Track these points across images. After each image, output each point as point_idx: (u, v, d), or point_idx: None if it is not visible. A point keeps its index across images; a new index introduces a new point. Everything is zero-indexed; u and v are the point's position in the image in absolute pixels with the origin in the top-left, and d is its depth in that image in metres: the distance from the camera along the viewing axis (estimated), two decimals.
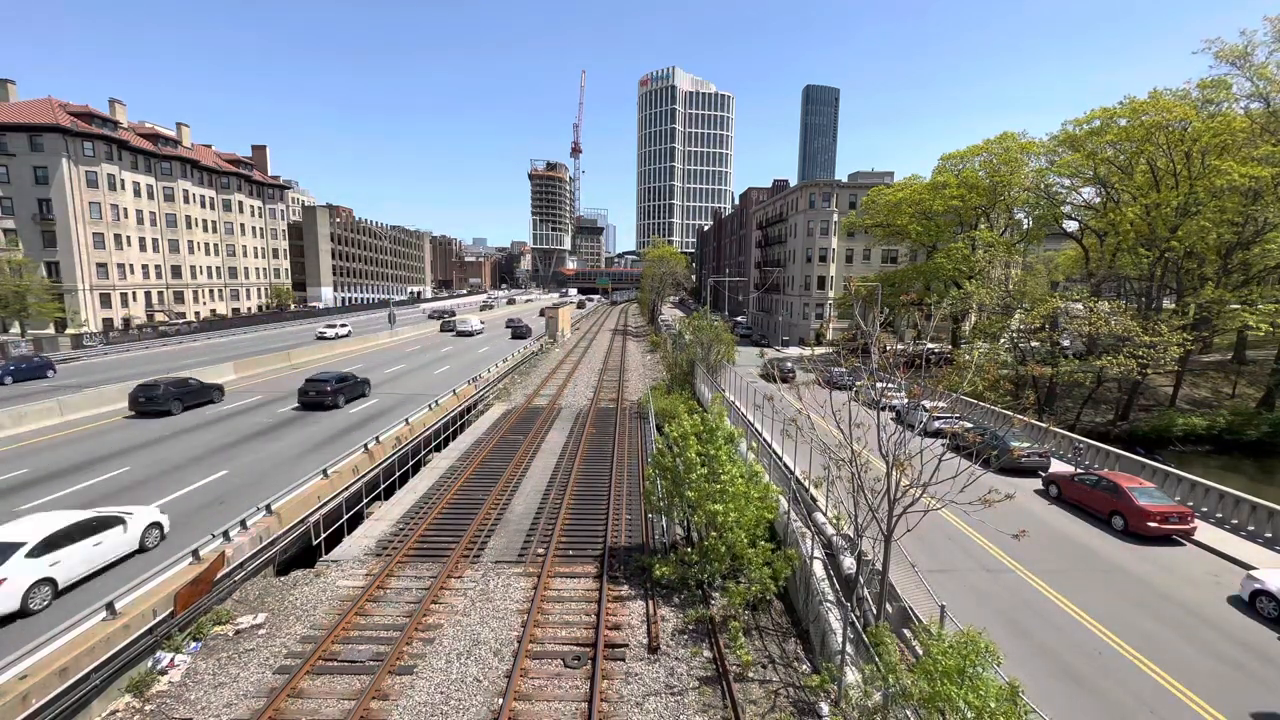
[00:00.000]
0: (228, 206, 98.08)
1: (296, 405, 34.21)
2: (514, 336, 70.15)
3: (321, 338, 64.23)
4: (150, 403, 31.51)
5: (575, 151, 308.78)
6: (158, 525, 16.92)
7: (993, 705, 8.33)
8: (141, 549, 16.27)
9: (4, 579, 12.86)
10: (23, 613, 13.21)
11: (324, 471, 21.79)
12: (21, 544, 13.49)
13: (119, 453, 25.33)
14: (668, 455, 17.76)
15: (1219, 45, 39.74)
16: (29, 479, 22.04)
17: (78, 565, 14.42)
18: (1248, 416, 39.10)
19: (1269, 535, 19.18)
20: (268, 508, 18.49)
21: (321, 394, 33.61)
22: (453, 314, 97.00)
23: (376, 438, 26.17)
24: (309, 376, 35.62)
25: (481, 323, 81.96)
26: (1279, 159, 35.81)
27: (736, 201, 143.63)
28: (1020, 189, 52.72)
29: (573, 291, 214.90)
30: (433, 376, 45.26)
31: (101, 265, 73.70)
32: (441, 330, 79.93)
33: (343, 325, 69.60)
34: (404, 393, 38.91)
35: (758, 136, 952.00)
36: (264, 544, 17.54)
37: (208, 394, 34.59)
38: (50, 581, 13.78)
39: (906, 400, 15.74)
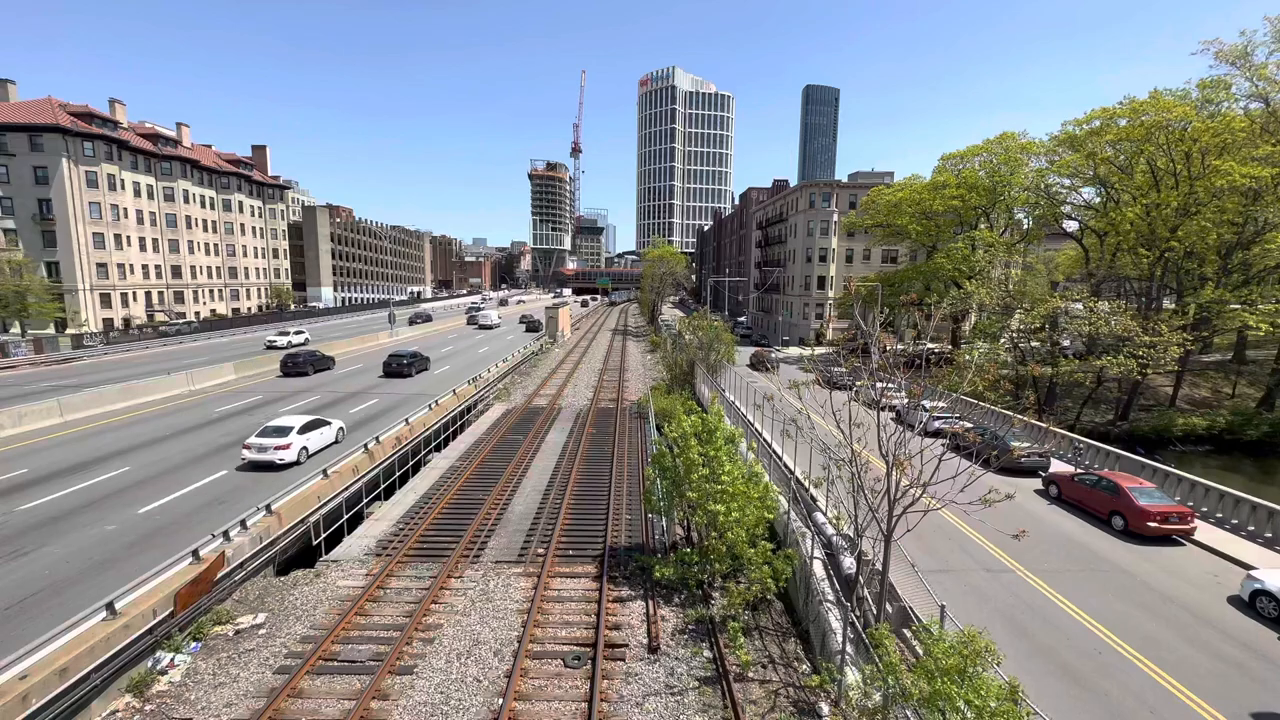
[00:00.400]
0: (228, 206, 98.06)
1: (381, 374, 45.03)
2: (528, 330, 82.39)
3: (272, 347, 57.44)
4: (295, 366, 44.55)
5: (575, 151, 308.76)
6: (342, 429, 27.65)
7: (993, 705, 8.32)
8: (336, 441, 26.74)
9: (290, 443, 23.46)
10: (296, 463, 23.59)
11: (324, 471, 21.81)
12: (294, 425, 24.32)
13: (119, 453, 25.33)
14: (668, 455, 17.75)
15: (1219, 46, 39.82)
16: (29, 478, 22.05)
17: (315, 443, 25.05)
18: (1248, 416, 39.12)
19: (1269, 535, 19.18)
20: (268, 508, 18.49)
21: (401, 365, 44.71)
22: (429, 318, 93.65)
23: (376, 438, 26.17)
24: (391, 352, 47.60)
25: (500, 317, 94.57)
26: (1279, 159, 35.82)
27: (736, 201, 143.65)
28: (1020, 189, 52.72)
29: (567, 291, 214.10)
30: (432, 377, 45.27)
31: (101, 265, 73.69)
32: (467, 324, 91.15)
33: (297, 332, 63.34)
34: (404, 392, 38.94)
35: (758, 136, 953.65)
36: (264, 544, 17.55)
37: (327, 363, 47.65)
38: (305, 448, 24.28)
39: (906, 400, 15.73)
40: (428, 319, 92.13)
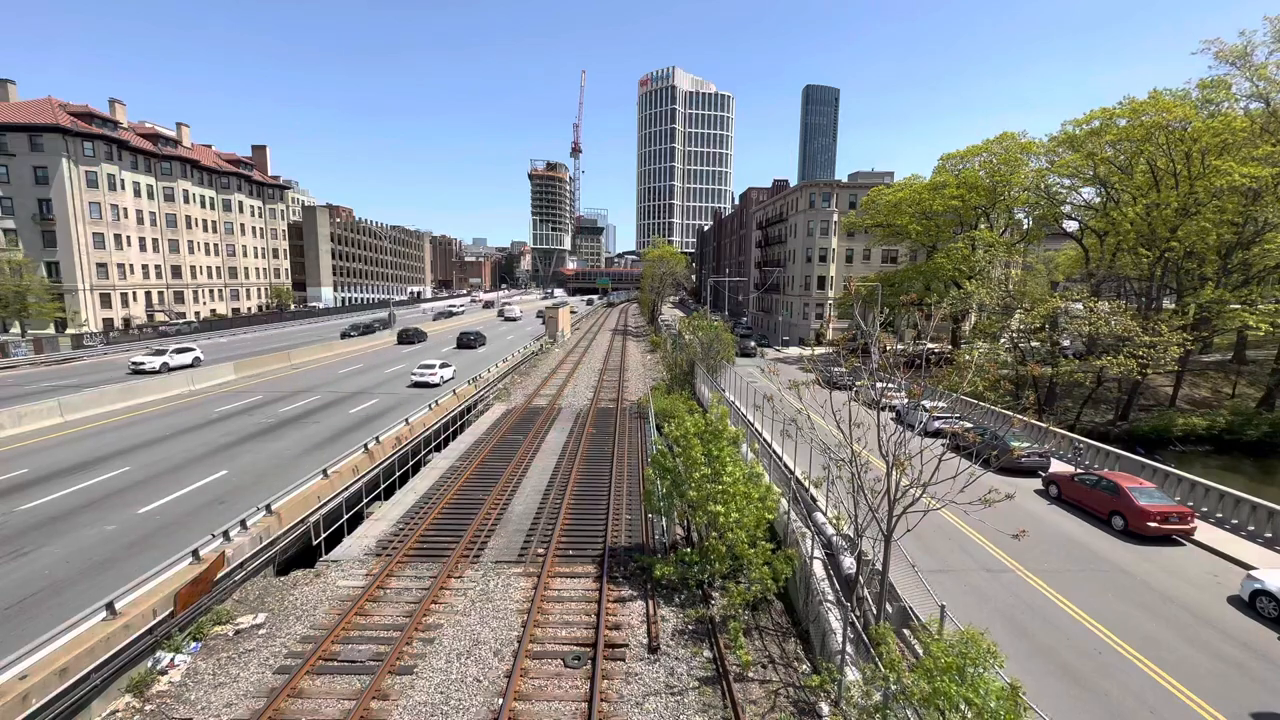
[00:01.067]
0: (228, 206, 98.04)
1: (454, 346, 63.14)
2: (544, 323, 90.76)
3: (139, 371, 43.03)
4: (407, 339, 66.15)
5: (575, 151, 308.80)
6: (455, 370, 45.05)
7: (993, 705, 8.31)
8: (453, 377, 43.11)
9: (436, 373, 41.63)
10: (439, 385, 40.84)
11: (324, 471, 21.79)
12: (436, 363, 42.94)
13: (119, 453, 25.34)
14: (668, 455, 17.74)
15: (1218, 46, 39.83)
16: (29, 478, 22.05)
17: (446, 375, 42.64)
18: (1248, 416, 39.09)
19: (1269, 535, 19.18)
20: (268, 508, 18.49)
21: (470, 339, 64.19)
22: (370, 326, 75.75)
23: (376, 438, 26.17)
24: (462, 330, 68.81)
25: (521, 311, 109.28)
26: (1279, 159, 35.81)
27: (736, 201, 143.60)
28: (1020, 189, 52.70)
29: (559, 291, 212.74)
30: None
31: (101, 265, 73.68)
32: (497, 316, 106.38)
33: (180, 349, 46.68)
34: (404, 393, 38.95)
35: (758, 136, 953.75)
36: (264, 544, 17.54)
37: (424, 336, 69.04)
38: (443, 376, 42.15)
39: (906, 400, 15.72)
40: (367, 330, 73.01)
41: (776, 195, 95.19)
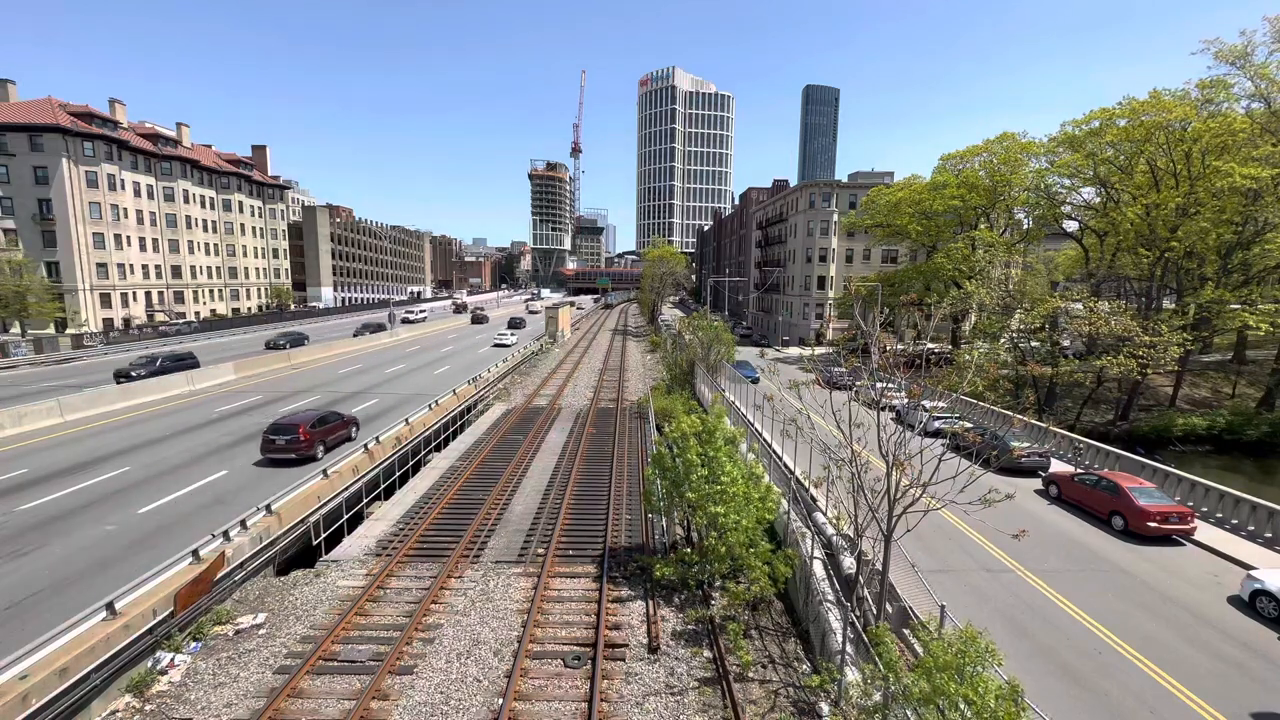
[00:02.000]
0: (228, 206, 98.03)
1: (508, 327, 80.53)
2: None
3: None
4: (477, 321, 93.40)
5: (575, 151, 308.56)
6: (518, 336, 71.63)
7: (993, 704, 8.31)
8: (516, 341, 65.77)
9: (508, 337, 67.44)
10: (510, 345, 63.55)
11: (324, 471, 21.80)
12: (509, 332, 70.67)
13: (119, 452, 25.34)
14: (668, 456, 17.74)
15: (1218, 45, 39.79)
16: (29, 478, 22.05)
17: (513, 338, 67.54)
18: (1248, 416, 39.10)
19: (1269, 535, 19.19)
20: (268, 508, 18.49)
21: (517, 322, 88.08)
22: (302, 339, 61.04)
23: (376, 438, 26.16)
24: (510, 317, 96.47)
25: (541, 306, 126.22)
26: (1279, 159, 35.80)
27: (736, 201, 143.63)
28: (1020, 189, 52.72)
29: (546, 291, 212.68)
30: (432, 377, 45.31)
31: (101, 265, 73.69)
32: (525, 310, 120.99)
33: None
34: (404, 392, 38.96)
35: (758, 136, 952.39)
36: (264, 544, 17.54)
37: (487, 319, 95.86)
38: (513, 340, 67.47)
39: (906, 400, 15.72)
40: (300, 341, 59.05)
41: (776, 195, 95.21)
